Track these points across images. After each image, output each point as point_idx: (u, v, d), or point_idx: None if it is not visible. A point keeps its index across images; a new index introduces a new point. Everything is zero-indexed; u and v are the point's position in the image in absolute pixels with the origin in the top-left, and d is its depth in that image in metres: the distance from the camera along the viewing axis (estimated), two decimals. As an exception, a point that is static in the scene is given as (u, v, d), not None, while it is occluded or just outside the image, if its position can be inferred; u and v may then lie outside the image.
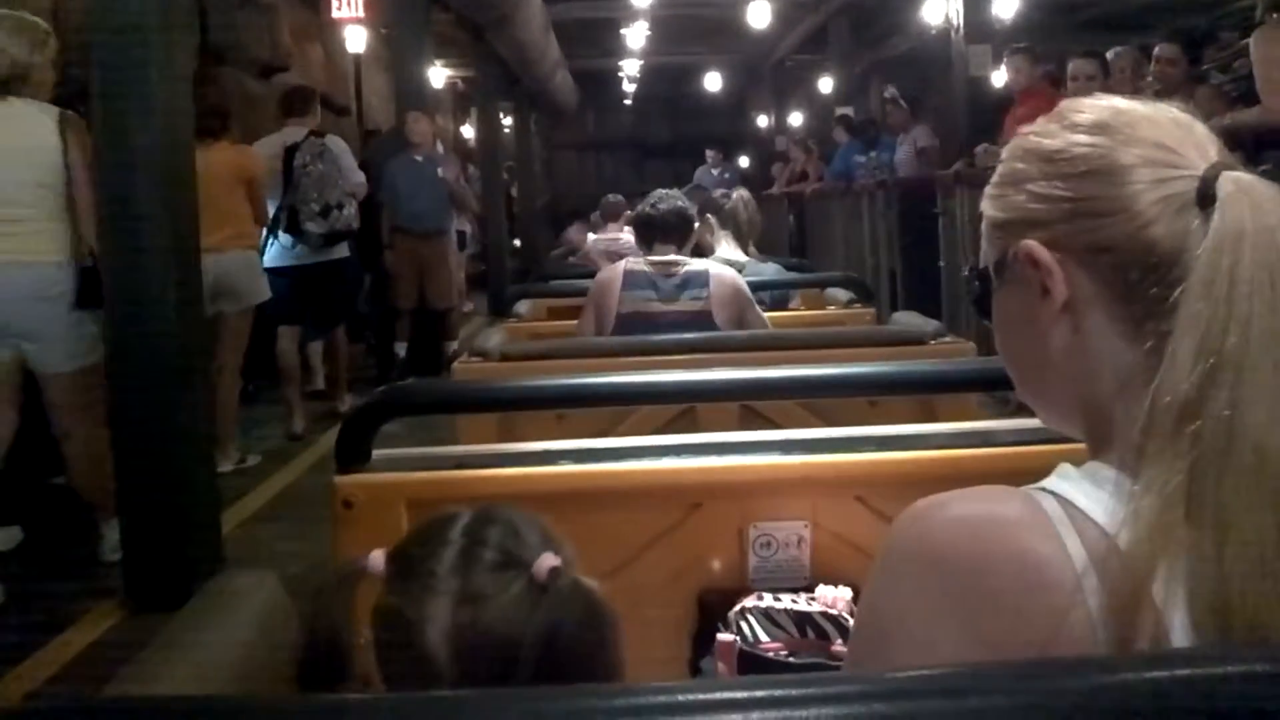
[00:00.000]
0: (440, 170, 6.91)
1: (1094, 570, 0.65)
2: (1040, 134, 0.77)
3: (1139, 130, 0.73)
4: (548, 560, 0.88)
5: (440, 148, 7.80)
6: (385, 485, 1.36)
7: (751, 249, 3.53)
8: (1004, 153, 0.81)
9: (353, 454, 1.38)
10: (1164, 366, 0.67)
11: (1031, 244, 0.74)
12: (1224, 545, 0.63)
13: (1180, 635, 0.63)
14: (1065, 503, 0.68)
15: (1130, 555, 0.64)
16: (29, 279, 3.14)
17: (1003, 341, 0.81)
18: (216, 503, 3.35)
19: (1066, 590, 0.65)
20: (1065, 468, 0.72)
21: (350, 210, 5.35)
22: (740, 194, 3.58)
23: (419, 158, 6.72)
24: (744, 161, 14.59)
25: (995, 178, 0.80)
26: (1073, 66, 5.06)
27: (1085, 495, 0.69)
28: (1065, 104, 0.79)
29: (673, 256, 2.75)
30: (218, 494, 3.36)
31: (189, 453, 3.14)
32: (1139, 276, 0.70)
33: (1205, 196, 0.69)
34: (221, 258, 4.38)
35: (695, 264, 2.76)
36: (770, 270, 3.41)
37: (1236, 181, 0.69)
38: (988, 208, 0.80)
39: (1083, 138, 0.74)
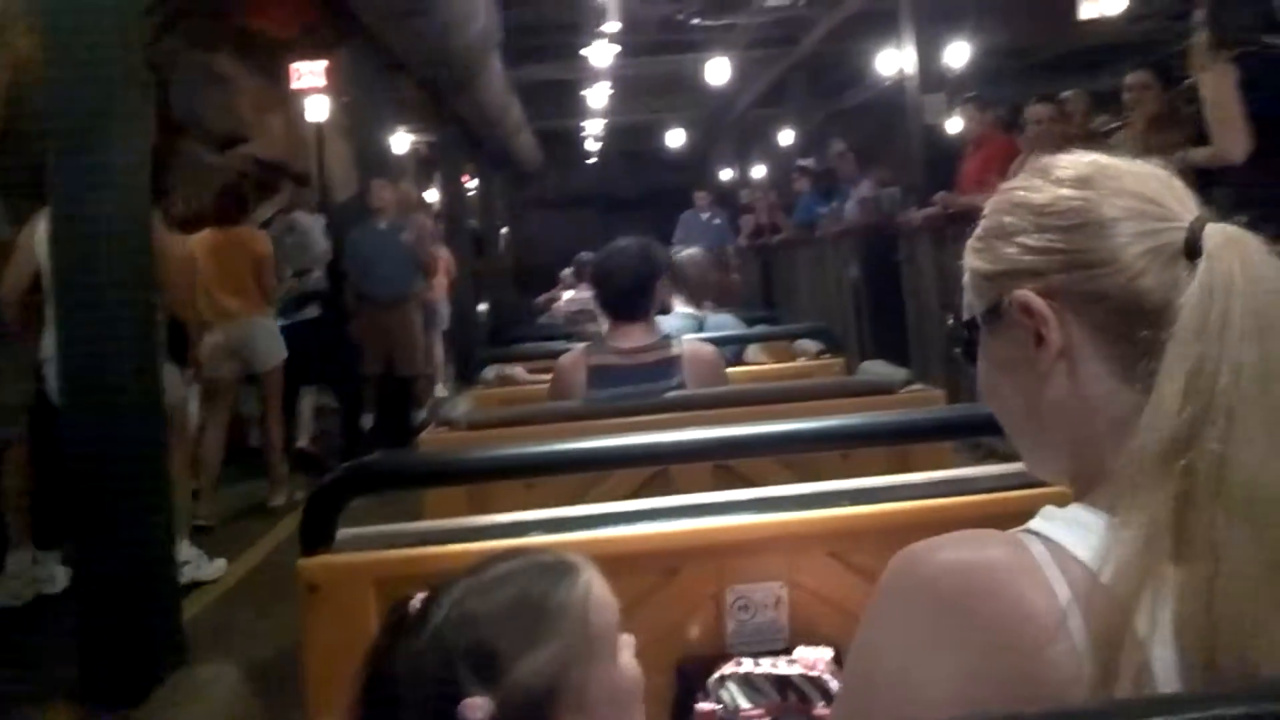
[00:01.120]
0: (404, 235, 6.88)
1: (1078, 607, 0.66)
2: (1026, 188, 0.79)
3: (1123, 183, 0.76)
4: (472, 710, 0.84)
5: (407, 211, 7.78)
6: (351, 566, 1.32)
7: (706, 304, 3.51)
8: (987, 207, 0.83)
9: (317, 535, 1.35)
10: (1150, 403, 0.69)
11: (1026, 294, 0.76)
12: (1214, 580, 0.64)
13: (1164, 669, 0.64)
14: (1051, 544, 0.70)
15: (1113, 589, 0.65)
16: None
17: (992, 388, 0.82)
18: (176, 591, 3.24)
19: (1052, 629, 0.66)
20: (1049, 510, 0.73)
21: (319, 273, 5.56)
22: (689, 252, 3.57)
23: (382, 225, 6.70)
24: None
25: (980, 230, 0.82)
26: (1029, 111, 5.15)
27: (1071, 536, 0.70)
28: (1047, 160, 0.81)
29: (640, 342, 2.45)
30: (177, 584, 3.25)
31: (150, 537, 3.05)
32: (1131, 322, 0.72)
33: (1193, 247, 0.71)
34: (239, 325, 5.08)
35: (669, 348, 2.47)
36: (727, 321, 3.41)
37: (1224, 232, 0.71)
38: (974, 260, 0.81)
39: (1069, 191, 0.76)
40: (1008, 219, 0.79)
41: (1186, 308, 0.69)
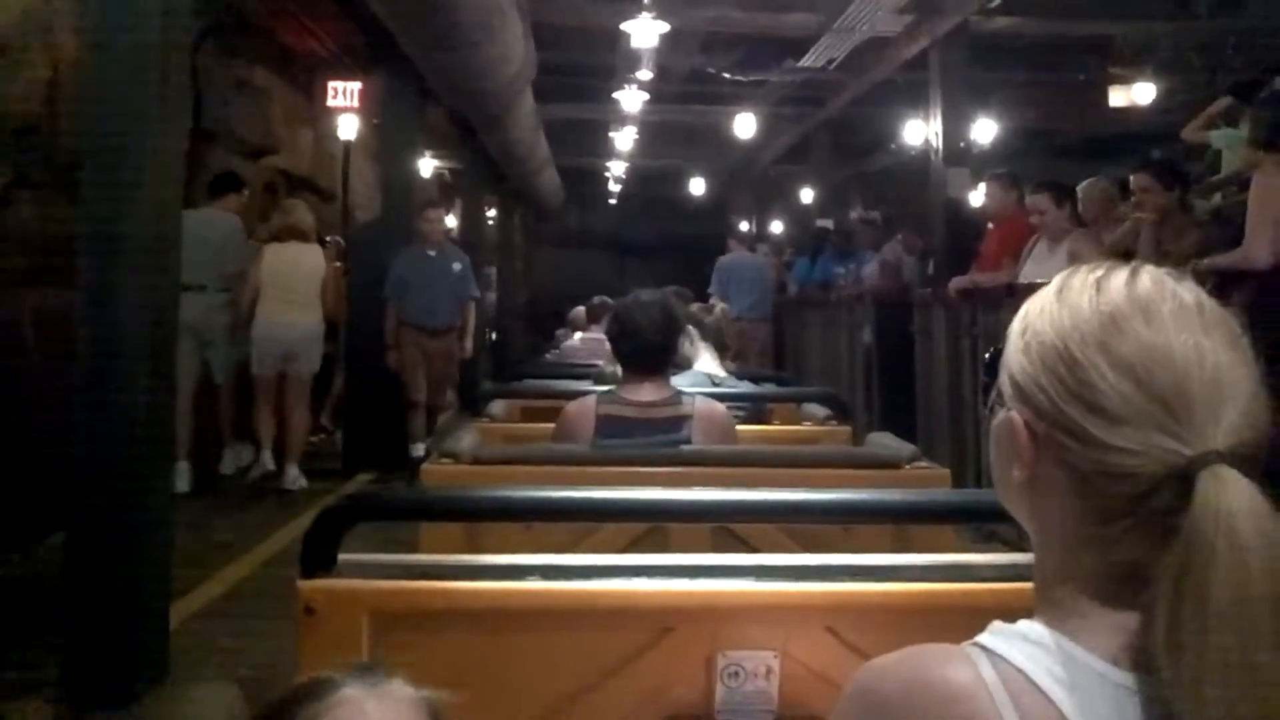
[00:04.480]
0: (455, 264, 6.82)
1: None
2: (1084, 342, 0.74)
3: (1167, 375, 0.71)
4: None
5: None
6: (348, 593, 1.33)
7: (728, 363, 3.53)
8: (1034, 298, 0.80)
9: (317, 559, 1.35)
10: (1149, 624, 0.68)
11: (1015, 419, 0.76)
12: None
13: None
14: (1002, 664, 0.70)
15: None
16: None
17: (991, 447, 0.83)
18: (166, 597, 3.23)
19: None
20: (998, 625, 0.74)
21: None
22: (722, 307, 3.60)
23: (431, 252, 6.66)
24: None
25: (1022, 315, 0.80)
26: (1028, 201, 5.17)
27: (1023, 655, 0.70)
28: (1098, 271, 0.77)
29: (653, 397, 2.45)
30: (169, 589, 3.25)
31: (145, 542, 3.04)
32: (1097, 492, 0.72)
33: (1185, 487, 0.68)
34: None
35: (680, 404, 2.46)
36: (747, 389, 3.41)
37: (1221, 485, 0.67)
38: (1013, 348, 0.79)
39: (1110, 375, 0.72)
40: (1038, 326, 0.77)
41: (1166, 572, 0.67)
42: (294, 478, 6.03)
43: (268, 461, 6.05)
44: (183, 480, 5.38)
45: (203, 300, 5.80)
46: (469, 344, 7.14)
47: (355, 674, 0.93)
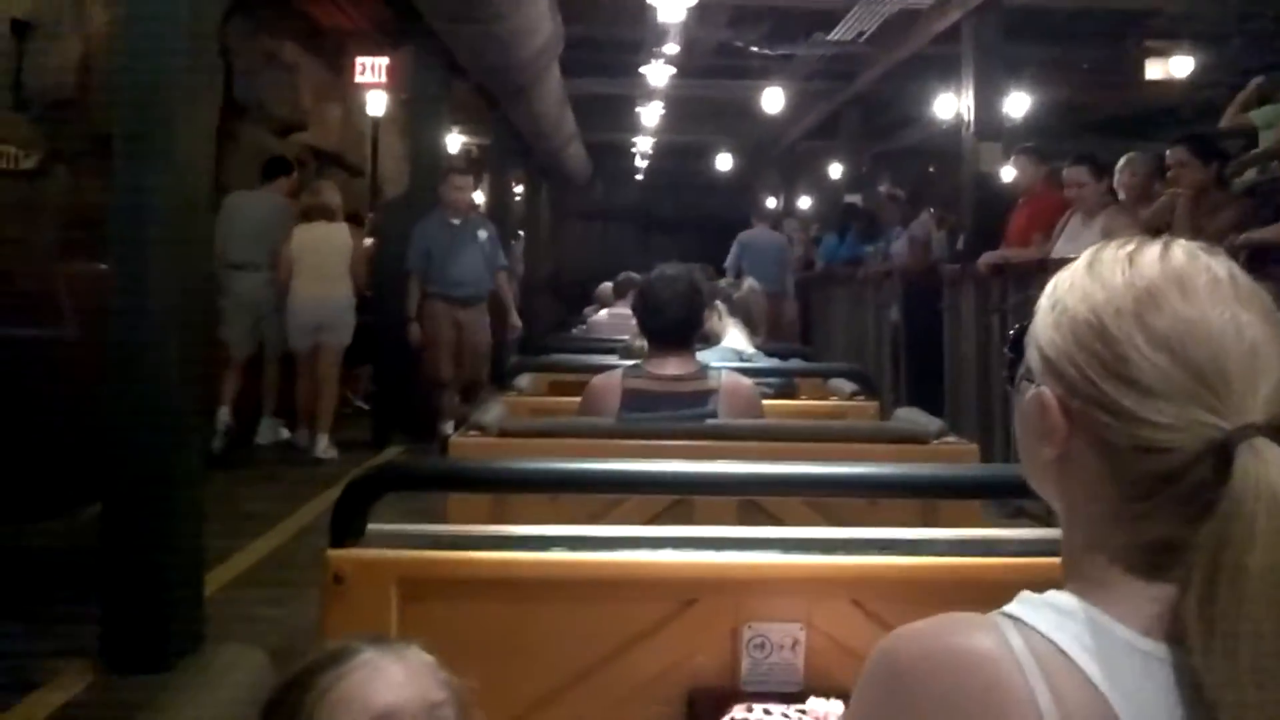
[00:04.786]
0: (484, 234, 6.50)
1: (1059, 715, 0.66)
2: (1119, 316, 0.73)
3: (1204, 348, 0.70)
4: None
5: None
6: (377, 562, 1.34)
7: (756, 339, 3.52)
8: (1065, 271, 0.79)
9: (347, 528, 1.36)
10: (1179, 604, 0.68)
11: (1048, 396, 0.75)
12: None
13: None
14: (1030, 632, 0.69)
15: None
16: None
17: (1016, 424, 0.82)
18: (200, 566, 3.29)
19: None
20: (1026, 595, 0.73)
21: None
22: (751, 283, 3.58)
23: (455, 220, 6.35)
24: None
25: (1052, 289, 0.78)
26: (1065, 173, 5.10)
27: (1051, 624, 0.70)
28: (1130, 245, 0.76)
29: (679, 371, 2.46)
30: (202, 558, 3.30)
31: (178, 513, 3.09)
32: (1131, 468, 0.71)
33: (1222, 457, 0.68)
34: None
35: (706, 379, 2.47)
36: (773, 364, 3.40)
37: (1261, 460, 0.66)
38: (1043, 323, 0.78)
39: (1146, 349, 0.71)
40: (1069, 301, 0.76)
41: (1203, 544, 0.66)
42: (324, 447, 6.22)
43: (304, 434, 6.33)
44: (219, 439, 5.83)
45: (257, 278, 6.17)
46: (515, 318, 6.95)
47: (373, 641, 0.96)
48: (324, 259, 6.21)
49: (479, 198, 13.02)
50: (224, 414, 5.97)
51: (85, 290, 4.07)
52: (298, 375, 6.37)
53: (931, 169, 14.67)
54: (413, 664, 0.94)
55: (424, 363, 6.44)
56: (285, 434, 6.49)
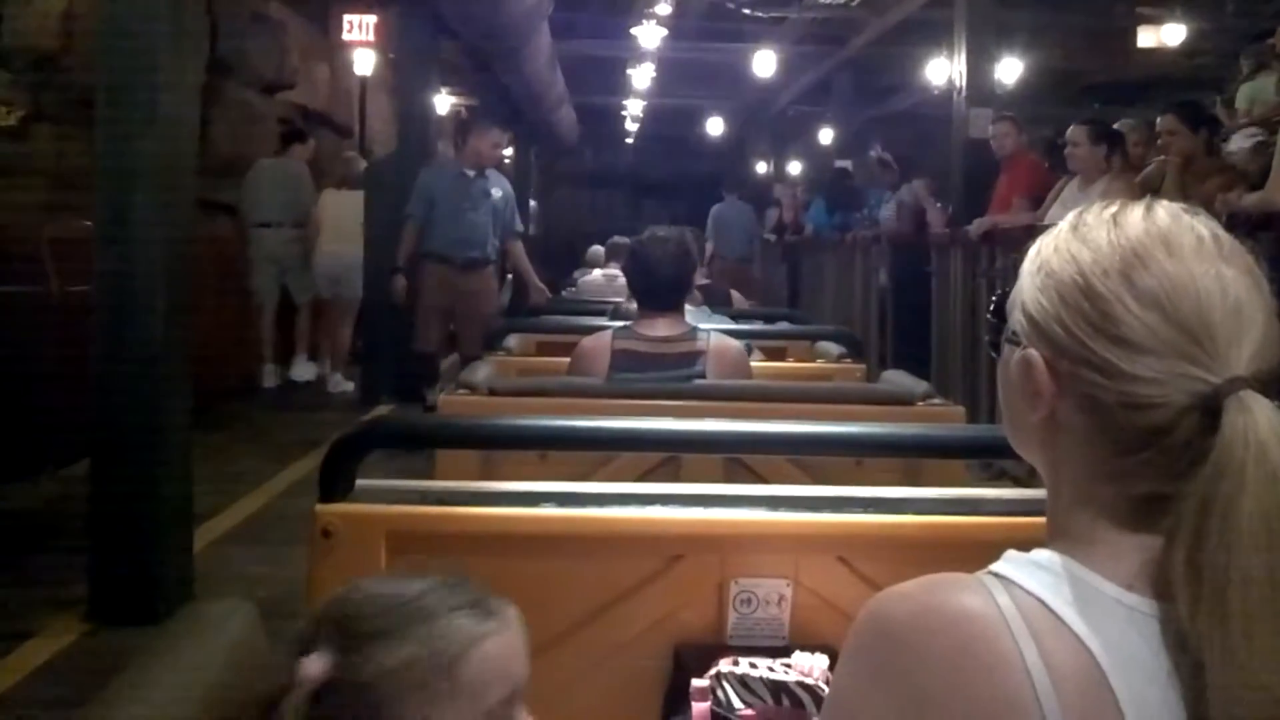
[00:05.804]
0: (499, 191, 5.70)
1: (1047, 671, 0.67)
2: (1106, 275, 0.73)
3: (1191, 305, 0.71)
4: (311, 667, 0.82)
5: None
6: (366, 517, 1.34)
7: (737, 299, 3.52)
8: (1051, 234, 0.79)
9: (335, 483, 1.37)
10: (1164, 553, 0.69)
11: (1034, 356, 0.75)
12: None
13: None
14: (1017, 590, 0.70)
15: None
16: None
17: (1000, 388, 0.83)
18: (189, 520, 3.30)
19: (1015, 687, 0.67)
20: (1012, 554, 0.74)
21: None
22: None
23: (470, 172, 5.58)
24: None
25: (1037, 251, 0.79)
26: (1070, 133, 5.10)
27: (1037, 582, 0.71)
28: (1116, 207, 0.77)
29: (668, 332, 2.47)
30: (191, 512, 3.32)
31: (166, 466, 3.10)
32: (1125, 428, 0.71)
33: (1212, 414, 0.68)
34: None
35: (696, 340, 2.48)
36: (762, 327, 3.40)
37: (1248, 410, 0.67)
38: (1028, 286, 0.78)
39: (1135, 307, 0.71)
40: (1055, 264, 0.76)
41: (1192, 496, 0.67)
42: (336, 382, 7.33)
43: (328, 369, 7.48)
44: (270, 378, 7.21)
45: (279, 235, 7.13)
46: (539, 285, 5.89)
47: (459, 599, 0.86)
48: (342, 222, 7.05)
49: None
50: (269, 369, 7.19)
51: (69, 250, 4.06)
52: (320, 320, 7.46)
53: (922, 135, 14.63)
54: (512, 629, 0.88)
55: (414, 328, 5.74)
56: (314, 371, 7.52)
